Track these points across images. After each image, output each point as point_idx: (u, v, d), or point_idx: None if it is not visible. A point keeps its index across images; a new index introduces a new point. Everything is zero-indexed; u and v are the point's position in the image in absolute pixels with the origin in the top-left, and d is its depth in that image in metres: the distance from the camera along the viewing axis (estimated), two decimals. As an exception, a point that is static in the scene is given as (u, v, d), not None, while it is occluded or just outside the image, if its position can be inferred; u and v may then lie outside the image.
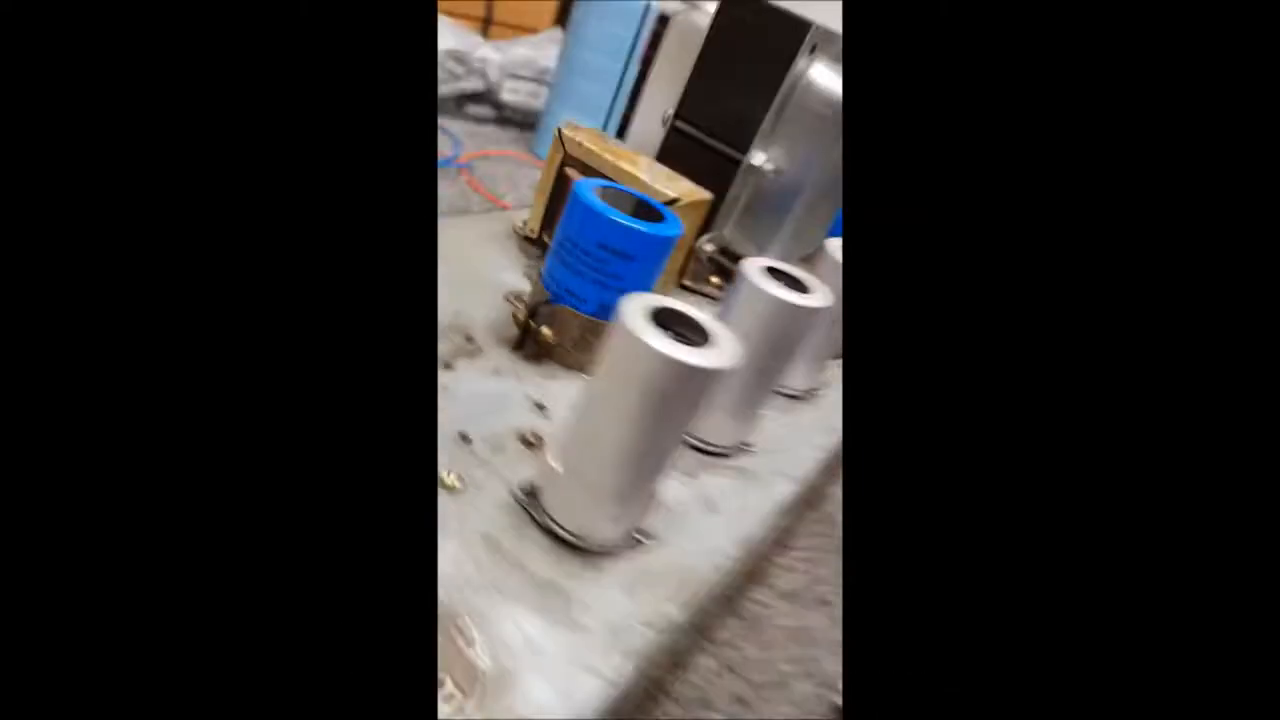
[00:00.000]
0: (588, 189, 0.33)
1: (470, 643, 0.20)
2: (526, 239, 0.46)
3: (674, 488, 0.29)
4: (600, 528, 0.24)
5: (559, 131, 0.43)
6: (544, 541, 0.24)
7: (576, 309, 0.33)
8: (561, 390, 0.33)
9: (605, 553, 0.24)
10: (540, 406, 0.31)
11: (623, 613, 0.23)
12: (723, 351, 0.22)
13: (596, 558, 0.24)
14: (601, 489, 0.23)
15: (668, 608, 0.24)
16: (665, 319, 0.23)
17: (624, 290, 0.32)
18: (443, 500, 0.24)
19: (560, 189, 0.43)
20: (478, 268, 0.41)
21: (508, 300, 0.35)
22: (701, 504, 0.29)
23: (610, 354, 0.22)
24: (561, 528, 0.24)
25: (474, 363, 0.32)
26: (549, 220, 0.44)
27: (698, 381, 0.21)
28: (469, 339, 0.34)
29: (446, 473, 0.25)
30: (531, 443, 0.29)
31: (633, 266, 0.32)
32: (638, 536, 0.26)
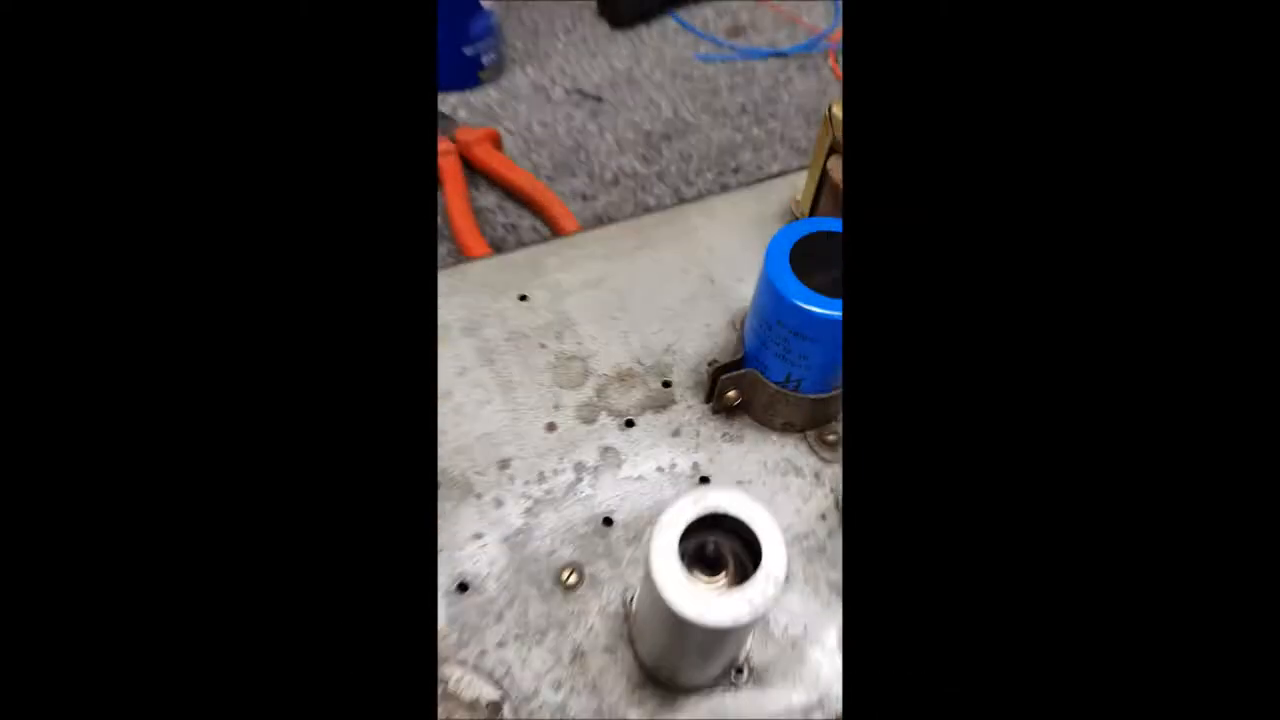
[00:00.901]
0: (783, 244, 0.28)
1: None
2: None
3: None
4: (682, 678, 0.24)
5: (829, 111, 0.35)
6: (630, 664, 0.25)
7: (764, 375, 0.30)
8: (736, 458, 0.31)
9: (691, 689, 0.25)
10: (704, 480, 0.30)
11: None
12: (752, 597, 0.18)
13: (678, 696, 0.25)
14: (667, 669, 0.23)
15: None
16: (701, 545, 0.20)
17: (814, 369, 0.28)
18: (554, 600, 0.27)
19: (824, 181, 0.36)
20: (722, 270, 0.38)
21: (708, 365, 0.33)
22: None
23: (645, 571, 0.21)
24: (644, 664, 0.25)
25: (659, 417, 0.32)
26: (816, 209, 0.38)
27: (718, 635, 0.19)
28: (666, 384, 0.34)
29: (566, 572, 0.28)
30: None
31: (817, 348, 0.27)
32: (732, 678, 0.25)
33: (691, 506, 0.20)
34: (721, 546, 0.20)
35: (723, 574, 0.20)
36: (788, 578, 0.19)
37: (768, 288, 0.27)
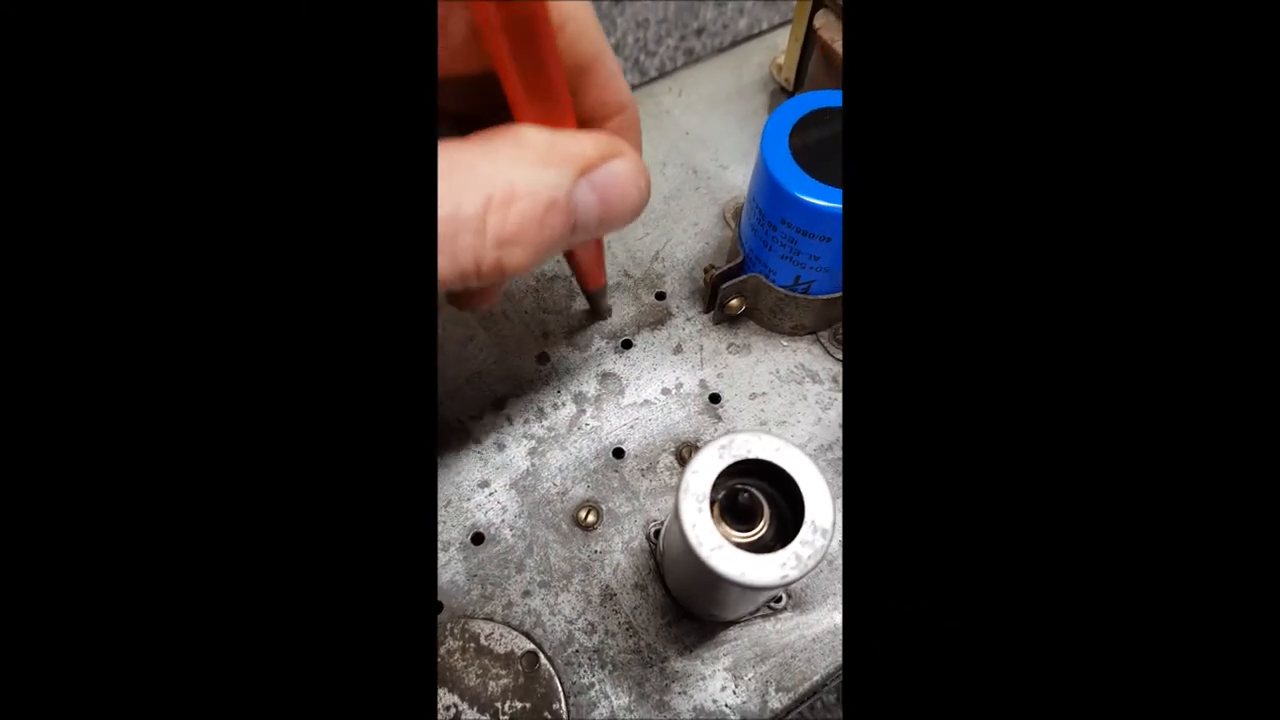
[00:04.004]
0: (780, 128, 0.24)
1: (556, 716, 0.23)
2: (784, 90, 0.36)
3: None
4: (721, 616, 0.23)
5: (809, -46, 0.30)
6: (663, 600, 0.25)
7: (769, 280, 0.27)
8: (746, 370, 0.29)
9: (728, 623, 0.24)
10: (715, 399, 0.28)
11: (718, 703, 0.23)
12: (800, 552, 0.17)
13: (716, 629, 0.24)
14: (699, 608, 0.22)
15: (772, 699, 0.23)
16: (733, 495, 0.18)
17: (825, 270, 0.25)
18: (575, 542, 0.26)
19: (811, 42, 0.32)
20: (704, 157, 0.35)
21: (705, 272, 0.30)
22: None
23: (670, 521, 0.19)
24: (675, 598, 0.24)
25: (657, 334, 0.30)
26: (803, 76, 0.34)
27: (751, 593, 0.17)
28: (659, 296, 0.31)
29: (583, 512, 0.26)
30: (685, 459, 0.27)
31: (829, 248, 0.24)
32: (772, 604, 0.24)
33: (718, 458, 0.18)
34: (755, 494, 0.18)
35: (761, 523, 0.18)
36: (834, 524, 0.17)
37: (767, 182, 0.24)
